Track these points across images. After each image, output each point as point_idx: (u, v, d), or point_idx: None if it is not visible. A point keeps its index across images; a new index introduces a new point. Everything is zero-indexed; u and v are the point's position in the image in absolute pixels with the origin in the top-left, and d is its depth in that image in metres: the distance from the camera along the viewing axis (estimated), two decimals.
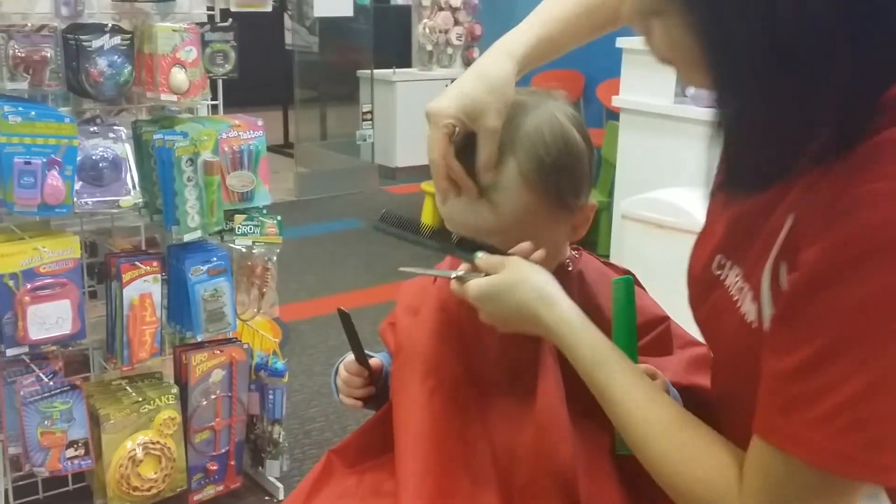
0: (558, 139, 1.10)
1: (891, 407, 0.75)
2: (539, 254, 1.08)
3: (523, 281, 1.04)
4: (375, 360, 1.29)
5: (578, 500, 1.05)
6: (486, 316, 1.08)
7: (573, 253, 1.22)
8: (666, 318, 1.20)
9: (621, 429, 0.98)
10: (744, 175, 0.86)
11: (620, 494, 1.08)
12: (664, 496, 1.09)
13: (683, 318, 1.12)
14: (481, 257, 1.08)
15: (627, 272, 1.19)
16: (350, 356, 1.29)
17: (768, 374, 0.82)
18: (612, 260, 3.55)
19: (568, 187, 1.12)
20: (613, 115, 4.07)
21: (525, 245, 1.08)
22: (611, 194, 4.07)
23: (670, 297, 1.20)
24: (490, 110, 1.07)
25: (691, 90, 3.77)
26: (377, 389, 1.29)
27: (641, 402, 0.97)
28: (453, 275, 1.10)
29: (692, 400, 1.09)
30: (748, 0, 0.74)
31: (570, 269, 1.19)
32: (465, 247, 1.11)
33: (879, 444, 0.75)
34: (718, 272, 0.98)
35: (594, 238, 4.58)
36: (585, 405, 1.03)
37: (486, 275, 1.07)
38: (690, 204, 3.08)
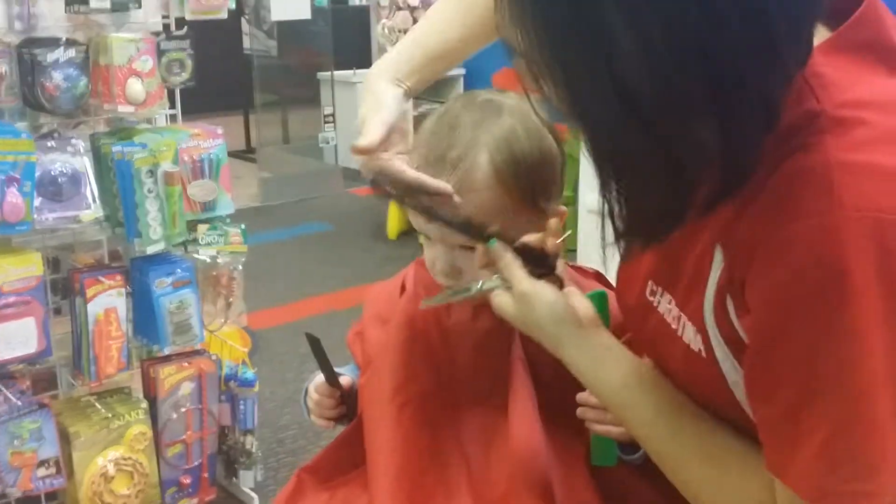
0: (533, 139, 1.10)
1: (857, 444, 0.75)
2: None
3: (538, 326, 1.00)
4: (345, 378, 1.28)
5: None
6: (516, 315, 1.02)
7: None
8: None
9: (654, 451, 0.95)
10: (635, 231, 0.85)
11: (599, 502, 1.07)
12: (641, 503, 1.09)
13: None
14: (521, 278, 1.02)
15: (599, 275, 1.18)
16: (320, 377, 1.28)
17: (761, 419, 0.82)
18: (580, 254, 3.57)
19: (540, 189, 1.11)
20: None
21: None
22: (575, 189, 4.08)
23: None
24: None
25: None
26: (348, 406, 1.28)
27: (672, 424, 0.93)
28: (478, 288, 1.05)
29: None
30: (592, 63, 0.72)
31: None
32: (472, 231, 1.06)
33: (863, 475, 0.76)
34: (651, 298, 0.97)
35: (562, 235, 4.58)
36: (558, 416, 1.02)
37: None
38: None
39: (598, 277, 1.20)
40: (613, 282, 1.12)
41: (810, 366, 0.75)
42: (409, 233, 5.37)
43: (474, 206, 1.07)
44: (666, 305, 0.93)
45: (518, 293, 1.00)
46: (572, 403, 1.08)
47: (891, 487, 0.78)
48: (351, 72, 6.86)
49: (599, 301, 1.07)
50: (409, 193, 1.07)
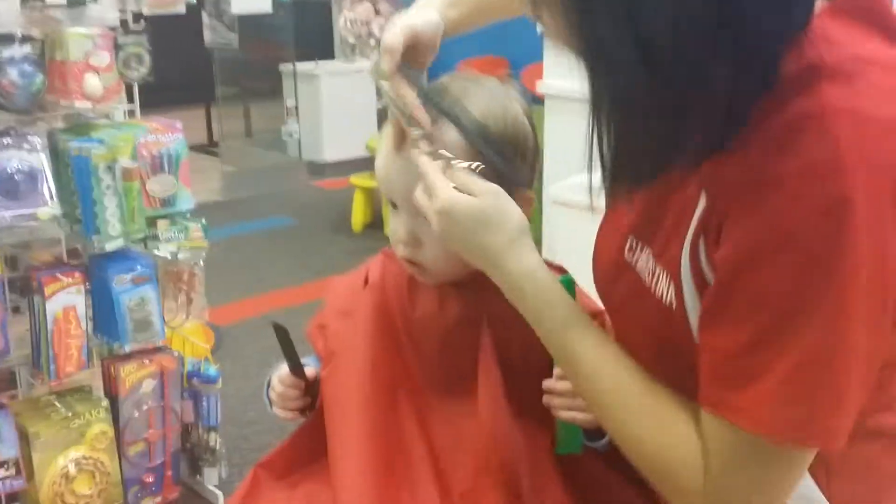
0: (508, 116, 1.10)
1: (829, 375, 0.77)
2: None
3: (500, 225, 0.98)
4: (310, 369, 1.27)
5: (521, 500, 1.05)
6: (443, 234, 1.00)
7: None
8: (601, 313, 1.21)
9: (585, 389, 0.95)
10: (624, 174, 0.86)
11: (563, 493, 1.08)
12: (606, 494, 1.10)
13: None
14: (460, 167, 1.01)
15: (564, 270, 1.18)
16: (284, 368, 1.27)
17: (712, 351, 0.84)
18: (544, 245, 3.58)
19: (508, 164, 1.11)
20: (538, 100, 4.08)
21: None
22: (539, 180, 4.09)
23: None
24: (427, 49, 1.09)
25: None
26: (312, 398, 1.27)
27: (609, 363, 0.94)
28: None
29: None
30: (613, 4, 0.75)
31: None
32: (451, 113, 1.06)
33: (821, 415, 0.78)
34: (629, 257, 0.98)
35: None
36: (525, 405, 1.02)
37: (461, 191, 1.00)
38: None
39: (562, 270, 1.20)
40: (577, 277, 1.13)
41: (795, 289, 0.76)
42: (373, 225, 5.37)
43: None
44: (644, 261, 0.94)
45: (436, 208, 0.99)
46: (539, 391, 1.09)
47: (845, 429, 0.79)
48: (313, 64, 6.82)
49: (568, 286, 1.07)
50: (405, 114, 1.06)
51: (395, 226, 1.14)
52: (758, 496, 0.84)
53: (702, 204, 0.84)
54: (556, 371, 1.06)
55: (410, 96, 1.05)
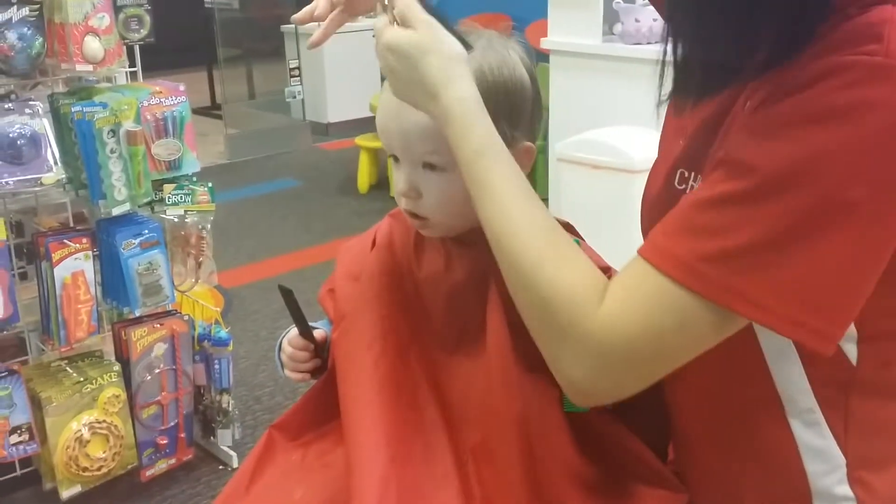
0: (504, 67, 1.09)
1: (791, 258, 0.78)
2: None
3: (436, 52, 0.98)
4: (319, 331, 1.27)
5: (532, 456, 1.05)
6: (387, 70, 1.01)
7: None
8: (609, 269, 1.20)
9: (492, 217, 0.95)
10: (694, 78, 0.88)
11: (573, 449, 1.07)
12: (614, 449, 1.10)
13: (622, 259, 1.12)
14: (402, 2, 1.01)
15: (571, 227, 1.17)
16: (294, 330, 1.27)
17: (679, 205, 0.85)
18: (551, 203, 3.57)
19: (504, 113, 1.09)
20: (544, 57, 4.04)
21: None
22: (545, 137, 4.06)
23: (608, 236, 1.19)
24: None
25: (619, 27, 3.76)
26: (323, 360, 1.27)
27: (519, 196, 0.94)
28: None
29: None
30: None
31: None
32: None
33: (761, 281, 0.79)
34: (682, 186, 0.99)
35: (531, 182, 4.58)
36: (534, 361, 1.02)
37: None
38: (625, 143, 3.09)
39: (569, 228, 1.19)
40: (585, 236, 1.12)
41: (791, 170, 0.78)
42: (378, 186, 5.35)
43: None
44: (694, 188, 0.95)
45: (379, 47, 1.00)
46: None
47: (776, 305, 0.80)
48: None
49: None
50: None
51: (397, 178, 1.14)
52: (644, 349, 0.84)
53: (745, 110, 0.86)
54: None
55: None
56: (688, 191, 0.98)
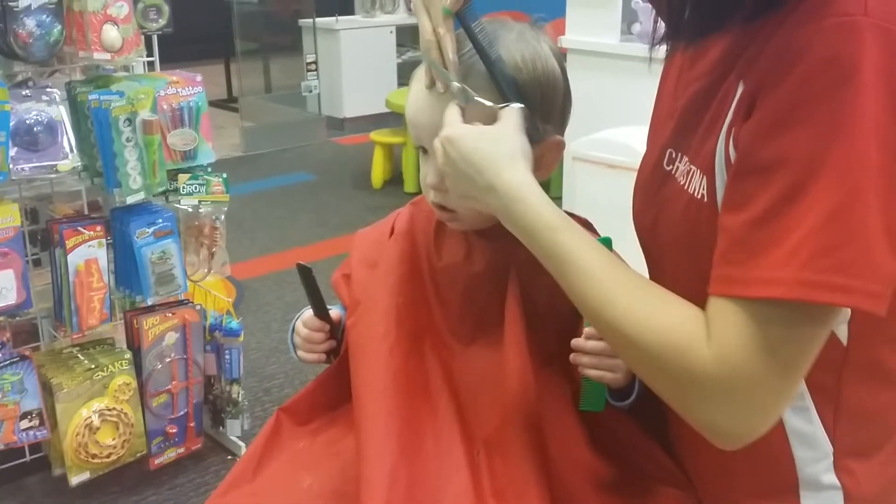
0: (537, 60, 1.09)
1: (853, 230, 0.77)
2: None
3: (499, 140, 0.99)
4: (335, 312, 1.26)
5: (545, 450, 1.04)
6: (443, 163, 1.02)
7: None
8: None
9: (582, 293, 0.93)
10: (688, 19, 0.90)
11: (587, 446, 1.07)
12: (628, 449, 1.09)
13: (637, 258, 1.11)
14: (479, 101, 1.03)
15: (589, 223, 1.17)
16: (308, 312, 1.26)
17: (726, 231, 0.83)
18: (565, 202, 3.56)
19: (537, 103, 1.08)
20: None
21: None
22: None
23: (623, 236, 1.18)
24: None
25: (637, 27, 3.75)
26: (337, 342, 1.26)
27: (605, 263, 0.93)
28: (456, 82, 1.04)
29: None
30: None
31: None
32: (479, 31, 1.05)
33: (846, 266, 0.77)
34: (669, 167, 0.99)
35: (546, 181, 4.57)
36: (549, 356, 1.02)
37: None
38: (641, 143, 3.06)
39: (588, 227, 1.18)
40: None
41: (809, 152, 0.77)
42: (393, 182, 5.35)
43: (469, 110, 1.06)
44: (682, 168, 0.96)
45: (440, 138, 1.01)
46: (565, 344, 1.08)
47: (880, 286, 0.78)
48: (333, 19, 6.77)
49: (608, 246, 1.05)
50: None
51: (425, 171, 1.13)
52: (765, 368, 0.81)
53: (739, 92, 0.86)
54: (587, 330, 1.06)
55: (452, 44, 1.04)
56: (673, 172, 0.98)
